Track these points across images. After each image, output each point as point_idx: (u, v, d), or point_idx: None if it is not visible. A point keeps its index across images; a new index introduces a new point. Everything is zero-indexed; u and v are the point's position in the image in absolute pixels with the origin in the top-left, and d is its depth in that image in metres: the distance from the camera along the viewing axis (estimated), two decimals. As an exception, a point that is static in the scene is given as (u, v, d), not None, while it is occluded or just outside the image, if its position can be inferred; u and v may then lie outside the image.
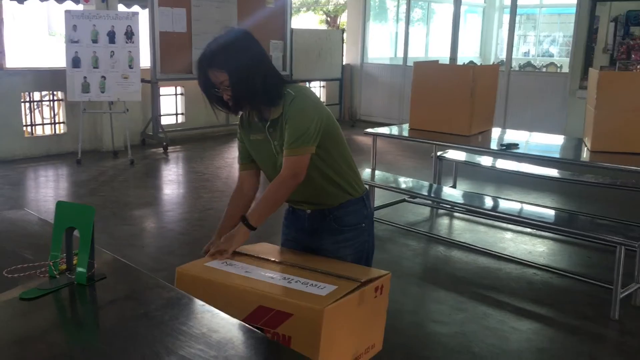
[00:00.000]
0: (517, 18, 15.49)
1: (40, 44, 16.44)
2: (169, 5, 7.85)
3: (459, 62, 10.61)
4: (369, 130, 4.95)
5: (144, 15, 7.90)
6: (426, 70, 4.99)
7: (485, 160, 5.64)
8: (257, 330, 1.53)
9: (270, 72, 2.03)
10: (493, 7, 15.02)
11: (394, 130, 5.21)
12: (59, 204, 1.81)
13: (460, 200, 4.59)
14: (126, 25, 6.99)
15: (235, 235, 2.03)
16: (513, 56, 9.45)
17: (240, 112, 2.14)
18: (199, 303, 1.61)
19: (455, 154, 5.61)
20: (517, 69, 12.07)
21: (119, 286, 1.77)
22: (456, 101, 4.66)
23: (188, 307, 1.62)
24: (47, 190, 6.15)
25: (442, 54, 10.79)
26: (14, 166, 6.73)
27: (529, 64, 12.95)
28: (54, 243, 1.78)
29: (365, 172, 4.98)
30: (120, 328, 1.54)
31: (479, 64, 12.34)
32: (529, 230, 4.77)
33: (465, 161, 5.64)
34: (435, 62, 5.56)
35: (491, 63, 13.73)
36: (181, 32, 7.97)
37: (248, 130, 2.16)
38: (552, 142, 5.06)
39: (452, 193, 4.88)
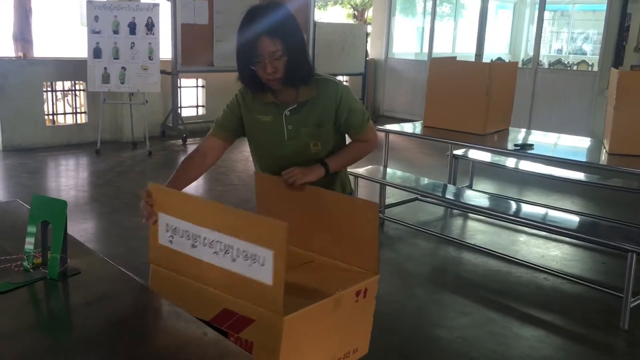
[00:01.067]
0: (551, 15, 15.20)
1: (73, 34, 16.67)
2: (191, -3, 7.86)
3: (487, 58, 10.42)
4: (381, 127, 4.86)
5: (166, 7, 7.92)
6: (442, 66, 4.89)
7: (504, 160, 5.50)
8: (222, 334, 1.50)
9: (307, 54, 2.11)
10: (524, 3, 14.71)
11: (408, 127, 5.11)
12: (35, 198, 1.80)
13: (471, 202, 4.47)
14: (147, 17, 7.02)
15: (312, 171, 2.05)
16: (545, 53, 9.24)
17: (268, 90, 2.07)
18: (166, 308, 1.58)
19: (473, 153, 5.49)
20: (546, 66, 11.83)
21: (91, 283, 1.74)
22: (472, 99, 4.55)
23: (156, 310, 1.60)
24: (64, 179, 6.22)
25: (469, 50, 10.61)
26: (35, 155, 6.83)
27: (559, 61, 12.66)
28: (29, 237, 1.76)
29: (377, 170, 4.90)
30: (84, 326, 1.52)
31: (507, 60, 12.10)
32: (543, 233, 4.63)
33: (482, 161, 5.51)
34: (452, 59, 5.44)
35: (520, 60, 13.46)
36: (203, 24, 7.97)
37: (252, 109, 2.12)
38: (571, 143, 4.91)
39: (464, 193, 4.76)
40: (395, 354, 2.94)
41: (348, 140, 2.21)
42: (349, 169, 4.56)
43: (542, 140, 4.89)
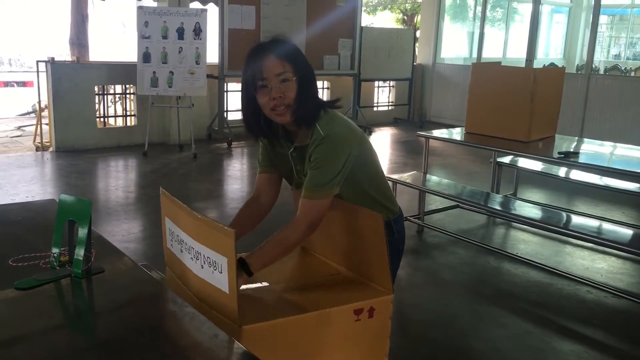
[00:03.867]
0: (609, 19, 14.71)
1: (126, 39, 17.23)
2: (238, 3, 7.97)
3: (539, 64, 10.18)
4: (421, 132, 4.80)
5: (214, 12, 8.07)
6: (485, 71, 4.79)
7: (550, 169, 5.34)
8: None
9: (318, 95, 1.93)
10: (580, 6, 14.28)
11: (447, 133, 5.02)
12: (62, 198, 1.85)
13: (514, 211, 4.36)
14: (195, 22, 7.16)
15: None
16: (601, 59, 8.93)
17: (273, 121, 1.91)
18: (181, 308, 1.60)
19: (518, 161, 5.35)
20: (602, 72, 11.44)
21: (113, 282, 1.77)
22: (515, 105, 4.44)
23: (170, 311, 1.62)
24: (111, 180, 6.40)
25: (520, 55, 10.38)
26: (85, 156, 7.05)
27: (615, 67, 12.22)
28: (56, 235, 1.82)
29: (417, 176, 4.84)
30: (100, 325, 1.55)
31: (560, 66, 11.78)
32: (589, 244, 4.47)
33: (527, 169, 5.36)
34: (495, 63, 5.33)
35: (574, 66, 13.08)
36: (250, 29, 8.07)
37: (271, 141, 2.02)
38: (623, 152, 4.72)
39: (507, 202, 4.65)
40: (424, 363, 2.89)
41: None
42: (387, 175, 4.52)
43: (591, 148, 4.73)
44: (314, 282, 1.94)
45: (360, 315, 1.70)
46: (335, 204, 1.92)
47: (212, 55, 7.78)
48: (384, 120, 10.61)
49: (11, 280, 1.67)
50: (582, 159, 4.02)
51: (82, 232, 1.76)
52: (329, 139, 1.82)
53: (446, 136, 4.94)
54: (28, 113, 10.85)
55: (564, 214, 4.49)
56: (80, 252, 1.74)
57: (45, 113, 7.53)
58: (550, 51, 14.80)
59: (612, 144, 4.87)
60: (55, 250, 1.80)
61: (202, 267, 1.63)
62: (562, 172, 5.32)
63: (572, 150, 4.11)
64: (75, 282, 1.72)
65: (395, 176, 4.77)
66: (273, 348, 1.59)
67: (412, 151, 8.10)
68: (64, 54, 12.49)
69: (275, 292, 1.84)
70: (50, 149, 7.29)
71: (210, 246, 1.58)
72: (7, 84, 14.81)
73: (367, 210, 1.82)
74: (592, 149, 4.71)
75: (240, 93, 1.93)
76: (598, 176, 5.01)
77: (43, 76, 7.22)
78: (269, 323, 1.59)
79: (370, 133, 9.42)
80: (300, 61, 1.85)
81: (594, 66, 9.19)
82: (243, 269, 1.74)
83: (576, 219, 4.31)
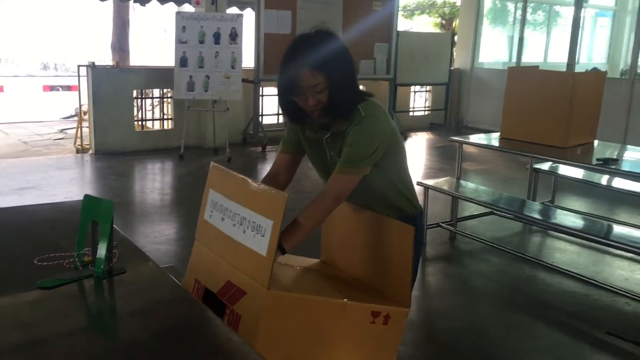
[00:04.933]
0: (655, 22, 14.25)
1: (167, 45, 17.56)
2: (275, 8, 8.01)
3: (581, 68, 9.93)
4: (455, 137, 4.72)
5: (250, 17, 8.14)
6: (521, 75, 4.69)
7: (591, 176, 5.18)
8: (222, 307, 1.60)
9: (357, 88, 1.98)
10: (625, 10, 13.88)
11: (482, 138, 4.93)
12: (86, 198, 1.87)
13: (548, 219, 4.24)
14: (231, 27, 7.23)
15: None
16: (645, 63, 8.63)
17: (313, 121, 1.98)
18: (196, 310, 1.60)
19: (557, 167, 5.21)
20: (647, 77, 11.08)
21: (134, 283, 1.78)
22: (553, 110, 4.32)
23: (192, 317, 1.62)
24: (147, 182, 6.50)
25: (562, 60, 10.14)
26: (123, 158, 7.19)
27: (662, 72, 11.81)
28: (80, 235, 1.84)
29: (450, 182, 4.76)
30: (120, 328, 1.56)
31: (603, 70, 11.46)
32: (630, 255, 4.31)
33: (566, 176, 5.21)
34: (533, 68, 5.21)
35: (619, 70, 12.71)
36: (285, 33, 8.10)
37: (302, 125, 2.07)
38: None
39: (543, 209, 4.52)
40: (452, 373, 2.83)
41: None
42: (419, 180, 4.43)
43: (633, 155, 4.57)
44: (338, 282, 1.99)
45: (376, 319, 1.74)
46: (365, 215, 1.98)
47: (248, 59, 7.84)
48: (420, 125, 10.51)
49: (35, 279, 1.70)
50: (622, 166, 3.89)
51: (104, 232, 1.77)
52: (368, 120, 1.89)
53: (481, 141, 4.85)
54: (71, 116, 11.14)
55: (604, 223, 4.34)
56: (102, 253, 1.76)
57: (86, 116, 7.71)
58: (593, 55, 14.43)
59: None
60: (78, 250, 1.82)
61: (244, 232, 1.70)
62: (603, 179, 5.16)
63: (612, 157, 3.98)
64: (97, 283, 1.74)
65: (428, 182, 4.70)
66: (289, 321, 1.64)
67: (448, 157, 7.99)
68: (107, 58, 12.80)
69: (305, 275, 1.95)
70: (90, 152, 7.46)
71: (258, 210, 1.66)
72: (52, 88, 15.26)
73: (399, 222, 1.87)
74: (634, 156, 4.56)
75: (277, 86, 1.99)
76: (640, 184, 4.84)
77: (84, 80, 7.39)
78: (293, 295, 1.67)
79: (406, 138, 9.34)
80: (334, 65, 1.88)
81: (638, 71, 8.90)
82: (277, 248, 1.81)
83: (616, 228, 4.16)
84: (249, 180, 1.76)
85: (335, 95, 1.87)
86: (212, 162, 1.99)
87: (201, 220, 1.94)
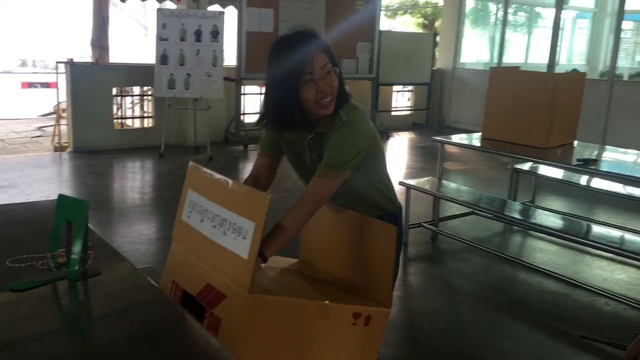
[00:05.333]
0: (636, 25, 14.43)
1: (144, 41, 17.37)
2: (257, 6, 7.96)
3: (561, 69, 10.02)
4: (437, 137, 4.72)
5: (232, 14, 8.08)
6: (503, 76, 4.71)
7: (570, 176, 5.22)
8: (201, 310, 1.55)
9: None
10: (604, 12, 14.04)
11: (464, 138, 4.94)
12: (61, 197, 1.82)
13: (529, 219, 4.25)
14: (213, 25, 7.16)
15: None
16: (626, 65, 8.75)
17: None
18: (173, 313, 1.56)
19: (537, 168, 5.24)
20: (625, 78, 11.23)
21: (109, 285, 1.74)
22: (534, 110, 4.34)
23: (163, 315, 1.58)
24: (126, 181, 6.42)
25: (543, 61, 10.23)
26: (102, 157, 7.08)
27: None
28: (54, 236, 1.79)
29: (431, 182, 4.76)
30: (94, 330, 1.52)
31: (583, 72, 11.57)
32: (609, 255, 4.34)
33: (546, 176, 5.25)
34: (514, 68, 5.23)
35: (598, 72, 12.86)
36: (267, 31, 8.05)
37: (281, 132, 2.04)
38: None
39: (524, 210, 4.54)
40: (433, 374, 2.81)
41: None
42: (401, 180, 4.43)
43: (612, 156, 4.61)
44: (318, 283, 1.97)
45: (357, 320, 1.72)
46: (346, 214, 1.97)
47: (230, 57, 7.78)
48: (402, 124, 10.52)
49: (8, 281, 1.65)
50: (602, 167, 3.92)
51: (79, 233, 1.73)
52: (349, 125, 1.89)
53: (463, 142, 4.86)
54: (49, 114, 10.97)
55: (583, 223, 4.37)
56: (76, 254, 1.71)
57: (64, 114, 7.59)
58: (573, 57, 14.58)
59: (635, 151, 4.74)
60: (52, 251, 1.77)
61: (225, 234, 1.66)
62: (582, 180, 5.20)
63: (591, 157, 4.01)
64: (71, 285, 1.69)
65: (410, 181, 4.69)
66: (270, 324, 1.62)
67: (429, 156, 8.00)
68: (86, 55, 12.62)
69: (284, 276, 1.93)
70: (68, 150, 7.34)
71: (239, 212, 1.62)
72: (30, 85, 15.01)
73: (382, 222, 1.86)
74: (613, 156, 4.60)
75: (265, 92, 1.97)
76: (620, 185, 4.87)
77: (63, 77, 7.28)
78: (275, 298, 1.64)
79: (387, 137, 9.34)
80: (332, 53, 1.91)
81: (617, 72, 9.01)
82: (258, 254, 1.74)
83: (596, 228, 4.20)
84: (229, 181, 1.72)
85: (340, 79, 1.89)
86: (190, 162, 1.95)
87: (178, 220, 1.89)
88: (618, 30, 8.59)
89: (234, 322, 1.56)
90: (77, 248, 1.72)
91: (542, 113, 4.28)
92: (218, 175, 1.79)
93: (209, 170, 1.82)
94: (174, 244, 1.92)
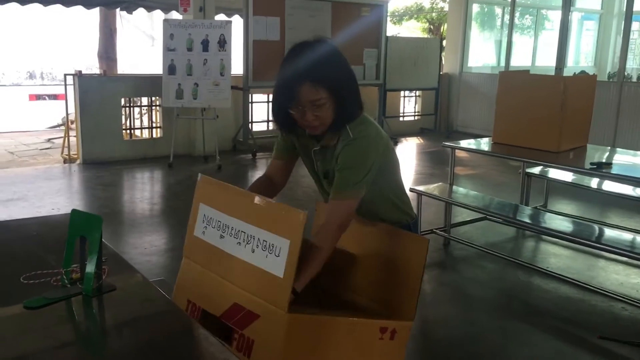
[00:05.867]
0: (641, 25, 14.36)
1: (151, 52, 17.47)
2: (263, 14, 7.97)
3: (569, 71, 9.97)
4: (447, 142, 4.69)
5: (238, 24, 8.09)
6: (512, 80, 4.67)
7: (582, 180, 5.17)
8: (228, 331, 1.51)
9: (359, 96, 1.92)
10: (611, 13, 13.98)
11: (474, 143, 4.90)
12: (74, 213, 1.81)
13: (543, 224, 4.21)
14: (220, 34, 7.17)
15: None
16: (635, 66, 8.68)
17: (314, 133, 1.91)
18: (192, 329, 1.54)
19: (548, 172, 5.20)
20: (634, 80, 11.16)
21: (124, 301, 1.73)
22: (545, 114, 4.31)
23: (181, 331, 1.56)
24: (136, 192, 6.42)
25: (550, 63, 10.19)
26: (111, 168, 7.10)
27: (649, 74, 11.92)
28: (68, 252, 1.78)
29: (442, 187, 4.73)
30: (109, 345, 1.51)
31: (592, 74, 11.52)
32: (624, 259, 4.29)
33: (558, 180, 5.21)
34: (524, 72, 5.20)
35: (606, 73, 12.79)
36: (274, 40, 8.06)
37: (298, 131, 2.01)
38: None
39: (536, 214, 4.50)
40: (450, 384, 2.78)
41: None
42: (411, 187, 4.40)
43: (624, 159, 4.56)
44: (339, 296, 1.95)
45: (384, 334, 1.70)
46: (379, 226, 1.95)
47: (237, 66, 7.79)
48: (410, 130, 10.50)
49: (22, 298, 1.64)
50: (615, 170, 3.87)
51: (92, 249, 1.71)
52: (358, 142, 1.84)
53: (473, 146, 4.83)
54: (58, 125, 11.02)
55: (597, 227, 4.32)
56: (90, 270, 1.70)
57: (73, 125, 7.61)
58: (580, 59, 14.51)
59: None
60: (66, 267, 1.76)
61: (253, 251, 1.59)
62: (594, 183, 5.15)
63: (604, 160, 3.97)
64: (85, 301, 1.68)
65: (420, 188, 4.66)
66: (305, 342, 1.58)
67: (438, 162, 7.97)
68: (94, 67, 12.69)
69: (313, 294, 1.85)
70: (78, 161, 7.36)
71: (270, 229, 1.56)
72: (38, 97, 15.12)
73: (412, 234, 1.86)
74: (625, 159, 4.55)
75: (272, 95, 1.93)
76: (632, 187, 4.83)
77: (71, 89, 7.31)
78: (311, 317, 1.59)
79: (396, 143, 9.31)
80: (336, 78, 1.82)
81: (626, 74, 8.95)
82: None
83: (609, 232, 4.16)
84: (252, 195, 1.67)
85: (338, 108, 1.82)
86: (200, 174, 1.90)
87: (191, 237, 1.84)
88: (627, 32, 8.53)
89: (270, 342, 1.51)
90: (91, 264, 1.70)
91: (553, 116, 4.25)
92: (238, 189, 1.73)
93: (224, 183, 1.78)
94: (186, 262, 1.87)
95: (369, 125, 1.90)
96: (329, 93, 1.80)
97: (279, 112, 1.90)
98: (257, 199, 1.64)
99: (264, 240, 1.56)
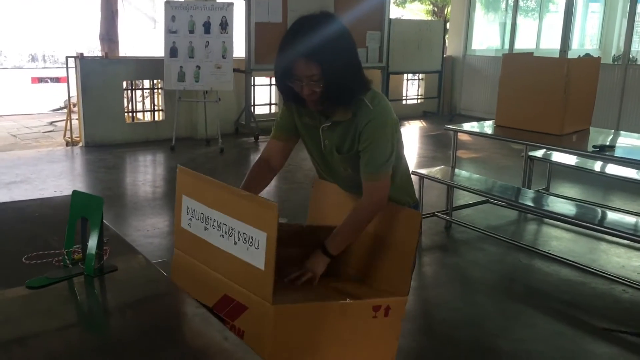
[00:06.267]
0: (646, 7, 14.21)
1: (153, 34, 17.37)
2: (265, -4, 7.91)
3: (574, 54, 9.90)
4: (450, 125, 4.68)
5: (240, 6, 8.03)
6: (516, 62, 4.64)
7: (584, 163, 5.16)
8: (221, 323, 1.49)
9: (360, 75, 1.88)
10: (617, -5, 13.83)
11: (477, 126, 4.89)
12: (75, 194, 1.81)
13: (545, 207, 4.21)
14: (221, 16, 7.13)
15: (318, 265, 1.84)
16: None
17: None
18: (192, 309, 1.55)
19: (551, 155, 5.19)
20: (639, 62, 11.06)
21: (126, 281, 1.73)
22: (548, 97, 4.29)
23: (180, 311, 1.57)
24: (138, 175, 6.43)
25: (554, 46, 10.11)
26: (114, 151, 7.10)
27: (654, 57, 11.81)
28: (69, 232, 1.78)
29: (445, 171, 4.72)
30: (111, 325, 1.52)
31: (596, 57, 11.43)
32: (626, 241, 4.29)
33: (561, 163, 5.19)
34: (527, 54, 5.17)
35: (611, 56, 12.69)
36: (276, 22, 8.01)
37: (301, 111, 1.99)
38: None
39: (538, 197, 4.50)
40: (450, 365, 2.80)
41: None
42: (414, 170, 4.40)
43: (628, 142, 4.55)
44: (335, 276, 1.93)
45: (377, 312, 1.70)
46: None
47: (239, 49, 7.75)
48: (413, 113, 10.46)
49: (24, 278, 1.65)
50: (618, 153, 3.87)
51: (93, 229, 1.72)
52: (379, 116, 1.85)
53: (476, 129, 4.81)
54: (60, 108, 11.02)
55: (599, 210, 4.32)
56: (92, 250, 1.71)
57: (75, 108, 7.61)
58: (585, 41, 14.40)
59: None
60: (68, 248, 1.77)
61: (236, 244, 1.58)
62: (597, 166, 5.14)
63: (607, 143, 3.96)
64: (87, 281, 1.69)
65: (423, 171, 4.66)
66: (296, 331, 1.59)
67: (441, 145, 7.96)
68: (96, 49, 12.65)
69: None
70: (80, 144, 7.37)
71: (248, 221, 1.55)
72: (40, 80, 15.08)
73: (406, 209, 1.85)
74: (629, 142, 4.54)
75: (269, 84, 1.95)
76: (635, 170, 4.82)
77: (73, 72, 7.29)
78: (298, 305, 1.59)
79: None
80: (332, 56, 1.78)
81: (631, 57, 8.88)
82: (324, 253, 1.82)
83: (612, 215, 4.16)
84: (228, 187, 1.64)
85: (330, 87, 1.79)
86: (178, 166, 1.86)
87: (178, 228, 1.83)
88: (632, 14, 8.46)
89: (258, 333, 1.52)
90: (92, 244, 1.71)
91: (556, 99, 4.22)
92: (215, 181, 1.70)
93: (202, 175, 1.74)
94: (177, 252, 1.87)
95: (382, 98, 1.91)
96: (322, 69, 1.76)
97: (280, 82, 1.89)
98: (233, 191, 1.61)
99: (243, 233, 1.55)
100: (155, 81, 8.00)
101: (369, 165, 1.86)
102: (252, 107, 8.38)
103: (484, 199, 4.91)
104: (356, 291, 1.80)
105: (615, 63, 9.75)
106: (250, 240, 1.53)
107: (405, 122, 9.76)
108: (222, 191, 1.66)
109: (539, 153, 5.22)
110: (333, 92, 1.81)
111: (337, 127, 1.90)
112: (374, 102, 1.86)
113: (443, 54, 10.29)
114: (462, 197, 5.17)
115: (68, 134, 7.58)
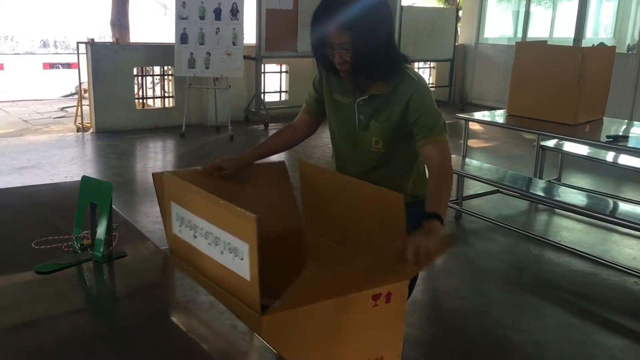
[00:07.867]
0: (663, -4, 13.99)
1: (163, 20, 17.34)
2: (276, -18, 7.86)
3: (587, 43, 9.76)
4: (461, 114, 4.64)
5: (251, -8, 7.99)
6: (529, 51, 4.58)
7: (598, 153, 5.10)
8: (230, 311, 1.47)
9: (393, 46, 1.92)
10: (632, -17, 13.63)
11: (488, 115, 4.84)
12: (84, 179, 1.81)
13: (556, 197, 4.18)
14: (232, 2, 7.10)
15: (433, 233, 1.76)
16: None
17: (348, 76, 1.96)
18: (205, 298, 1.54)
19: (563, 145, 5.13)
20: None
21: (135, 267, 1.73)
22: (561, 86, 4.23)
23: (189, 298, 1.56)
24: (148, 161, 6.44)
25: (568, 35, 9.99)
26: (124, 137, 7.11)
27: (669, 47, 11.63)
28: (78, 218, 1.78)
29: (455, 160, 4.69)
30: (120, 311, 1.52)
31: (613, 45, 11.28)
32: (637, 233, 4.25)
33: (573, 153, 5.14)
34: (541, 42, 5.10)
35: (626, 45, 12.53)
36: (287, 9, 7.96)
37: (332, 87, 2.04)
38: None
39: (550, 187, 4.46)
40: (458, 356, 2.79)
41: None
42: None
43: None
44: (330, 268, 1.90)
45: (378, 301, 1.65)
46: (356, 185, 1.89)
47: (250, 36, 7.71)
48: (424, 102, 10.38)
49: (33, 263, 1.65)
50: (632, 143, 3.81)
51: (102, 215, 1.71)
52: (423, 84, 1.93)
53: (487, 119, 4.77)
54: (71, 94, 11.04)
55: (611, 201, 4.28)
56: (101, 236, 1.71)
57: (86, 94, 7.62)
58: (600, 30, 14.22)
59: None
60: (77, 233, 1.77)
61: (222, 253, 1.57)
62: (609, 156, 5.09)
63: (621, 133, 3.91)
64: (96, 266, 1.69)
65: (433, 160, 4.62)
66: (292, 336, 1.55)
67: (452, 134, 7.82)
68: (106, 35, 12.63)
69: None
70: (91, 130, 7.39)
71: (231, 231, 1.52)
72: (52, 66, 15.12)
73: (388, 191, 1.79)
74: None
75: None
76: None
77: (84, 58, 7.29)
78: (288, 312, 1.54)
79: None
80: (363, 28, 1.81)
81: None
82: (436, 219, 1.75)
83: (624, 206, 4.11)
84: (211, 196, 1.60)
85: (359, 58, 1.82)
86: (164, 172, 1.84)
87: (170, 234, 1.81)
88: (648, 2, 8.32)
89: None
90: (101, 230, 1.71)
91: (570, 88, 4.17)
92: (199, 189, 1.66)
93: (186, 183, 1.71)
94: (171, 257, 1.85)
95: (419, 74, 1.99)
96: (353, 39, 1.80)
97: (316, 51, 1.92)
98: (215, 200, 1.58)
99: (228, 243, 1.53)
100: (165, 67, 7.99)
101: (429, 128, 1.89)
102: (262, 95, 8.36)
103: (494, 188, 4.88)
104: (355, 280, 1.76)
105: (630, 52, 9.62)
106: (235, 250, 1.51)
107: (416, 111, 9.69)
108: (205, 200, 1.63)
109: (551, 143, 5.17)
110: (363, 62, 1.83)
111: (376, 100, 1.93)
112: (420, 78, 1.94)
113: (455, 42, 10.20)
114: (473, 187, 5.14)
115: (79, 120, 7.59)
